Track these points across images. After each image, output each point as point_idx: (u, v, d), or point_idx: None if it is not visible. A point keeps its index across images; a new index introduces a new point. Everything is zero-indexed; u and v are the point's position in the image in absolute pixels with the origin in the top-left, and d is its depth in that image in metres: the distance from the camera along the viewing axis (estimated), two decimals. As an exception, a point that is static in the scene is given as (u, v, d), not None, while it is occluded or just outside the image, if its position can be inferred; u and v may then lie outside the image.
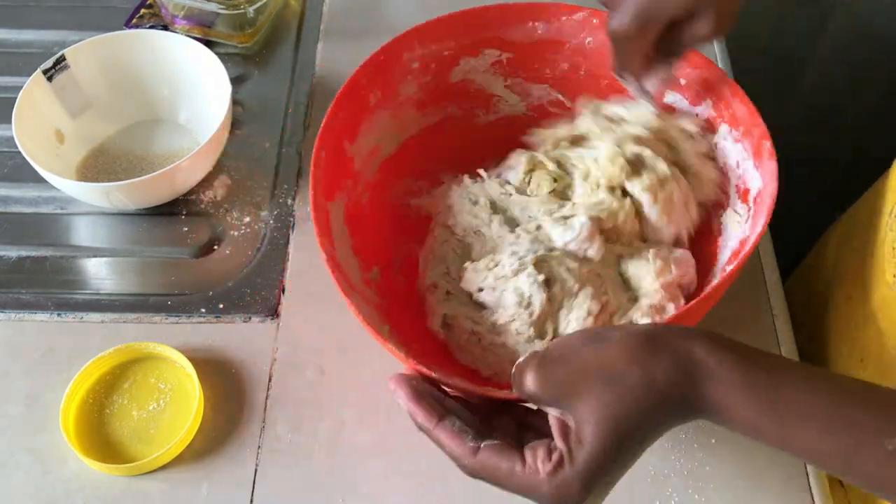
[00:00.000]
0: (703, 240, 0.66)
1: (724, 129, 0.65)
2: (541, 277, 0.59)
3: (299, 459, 0.60)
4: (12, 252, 0.71)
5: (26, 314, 0.67)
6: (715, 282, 0.59)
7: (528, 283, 0.59)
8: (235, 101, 0.78)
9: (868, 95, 1.23)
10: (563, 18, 0.68)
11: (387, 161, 0.69)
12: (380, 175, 0.68)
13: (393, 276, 0.66)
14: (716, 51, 0.87)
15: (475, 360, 0.62)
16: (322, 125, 0.60)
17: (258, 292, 0.68)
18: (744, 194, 0.62)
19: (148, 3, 0.88)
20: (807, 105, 1.28)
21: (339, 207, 0.62)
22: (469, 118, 0.73)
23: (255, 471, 0.60)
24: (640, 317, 0.59)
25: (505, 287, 0.60)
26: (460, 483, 0.59)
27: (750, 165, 0.62)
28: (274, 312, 0.67)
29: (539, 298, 0.59)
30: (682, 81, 0.67)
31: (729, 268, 0.59)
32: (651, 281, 0.60)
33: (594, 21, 0.68)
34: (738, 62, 0.87)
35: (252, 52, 0.86)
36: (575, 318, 0.59)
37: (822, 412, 0.40)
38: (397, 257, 0.67)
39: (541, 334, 0.59)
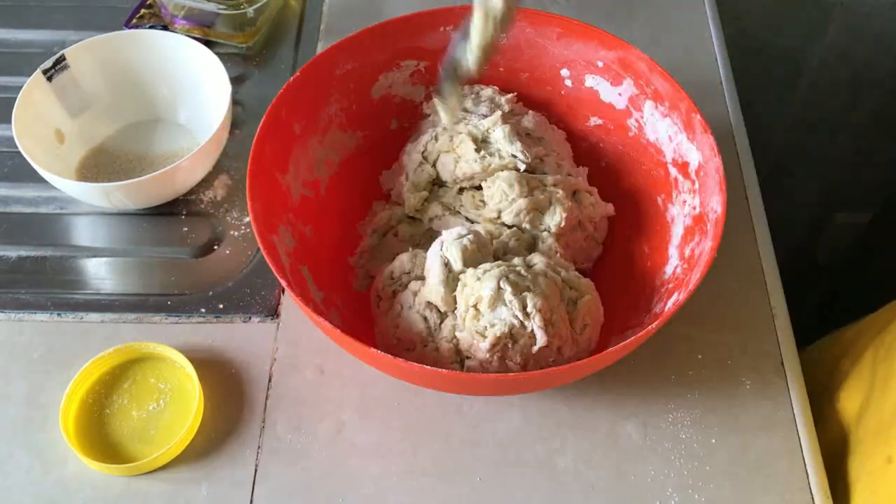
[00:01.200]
0: (650, 227, 0.67)
1: (648, 105, 0.67)
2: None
3: (299, 459, 0.60)
4: (12, 252, 0.71)
5: (26, 314, 0.67)
6: (677, 266, 0.61)
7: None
8: (235, 101, 0.78)
9: (868, 95, 1.23)
10: None
11: (328, 186, 0.69)
12: (324, 200, 0.68)
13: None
14: (716, 51, 0.87)
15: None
16: (250, 158, 0.60)
17: (258, 292, 0.68)
18: (683, 167, 0.64)
19: (148, 3, 0.88)
20: (807, 105, 1.28)
21: (287, 239, 0.62)
22: (404, 130, 0.73)
23: (255, 471, 0.60)
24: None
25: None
26: (460, 483, 0.59)
27: (684, 139, 0.64)
28: (274, 312, 0.67)
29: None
30: (600, 63, 0.68)
31: (689, 246, 0.61)
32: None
33: None
34: (737, 62, 0.87)
35: (252, 52, 0.86)
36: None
37: None
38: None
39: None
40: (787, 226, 0.81)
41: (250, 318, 0.67)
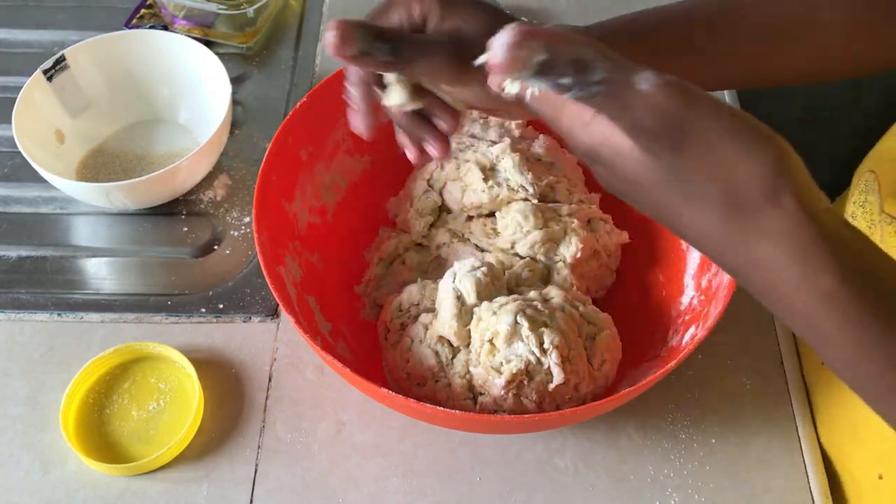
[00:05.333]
0: (665, 255, 0.66)
1: None
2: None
3: (299, 459, 0.60)
4: (12, 252, 0.71)
5: (26, 314, 0.67)
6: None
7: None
8: (235, 101, 0.78)
9: (868, 96, 1.23)
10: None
11: (335, 212, 0.68)
12: (332, 226, 0.67)
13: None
14: (716, 51, 0.87)
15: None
16: (256, 188, 0.58)
17: (258, 292, 0.68)
18: None
19: (148, 3, 0.88)
20: (807, 105, 1.28)
21: (294, 269, 0.61)
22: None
23: (255, 470, 0.60)
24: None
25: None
26: (460, 483, 0.59)
27: None
28: (274, 312, 0.67)
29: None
30: None
31: (706, 277, 0.60)
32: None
33: None
34: (738, 62, 0.87)
35: (252, 52, 0.86)
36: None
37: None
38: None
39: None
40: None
41: (250, 318, 0.67)
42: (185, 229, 0.73)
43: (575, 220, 0.64)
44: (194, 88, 0.77)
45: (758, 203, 0.36)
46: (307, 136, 0.64)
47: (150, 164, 0.76)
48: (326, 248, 0.65)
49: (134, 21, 0.87)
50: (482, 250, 0.65)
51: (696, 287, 0.61)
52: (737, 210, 0.36)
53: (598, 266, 0.66)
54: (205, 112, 0.76)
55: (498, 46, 0.36)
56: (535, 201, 0.63)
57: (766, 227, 0.36)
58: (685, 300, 0.61)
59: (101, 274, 0.71)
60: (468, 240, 0.66)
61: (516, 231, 0.62)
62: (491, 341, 0.56)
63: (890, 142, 0.65)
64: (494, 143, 0.66)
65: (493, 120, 0.69)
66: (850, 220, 0.64)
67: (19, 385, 0.63)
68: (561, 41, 0.36)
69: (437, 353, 0.58)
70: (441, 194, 0.66)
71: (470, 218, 0.66)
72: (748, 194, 0.36)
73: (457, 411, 0.52)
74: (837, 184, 0.71)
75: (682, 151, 0.35)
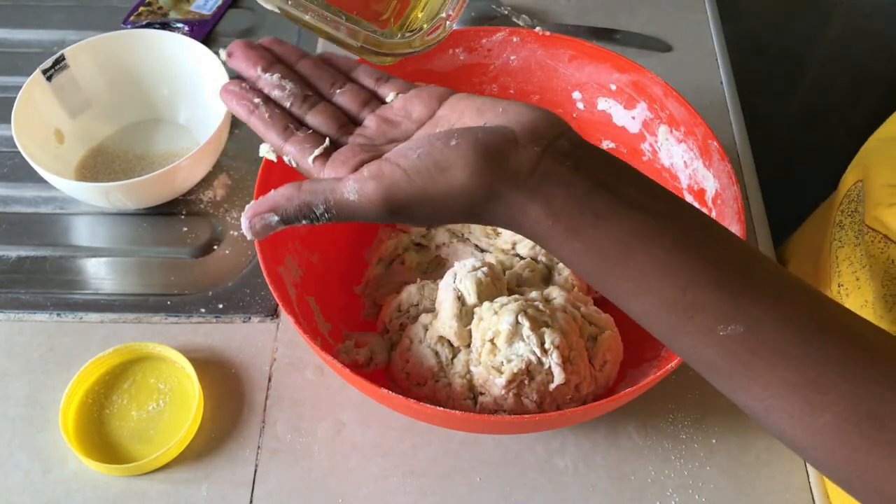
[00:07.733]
0: None
1: (663, 129, 0.65)
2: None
3: (299, 459, 0.60)
4: (12, 252, 0.71)
5: (26, 314, 0.67)
6: None
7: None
8: (235, 101, 0.78)
9: (868, 95, 1.23)
10: (484, 41, 0.68)
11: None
12: (331, 225, 0.67)
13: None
14: (716, 51, 0.87)
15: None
16: (256, 188, 0.58)
17: (258, 292, 0.68)
18: (699, 194, 0.62)
19: (147, 1, 0.88)
20: (807, 105, 1.28)
21: (294, 269, 0.61)
22: None
23: (255, 471, 0.60)
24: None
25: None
26: (460, 483, 0.59)
27: (700, 165, 0.62)
28: (274, 312, 0.67)
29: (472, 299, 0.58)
30: (613, 87, 0.67)
31: None
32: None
33: (515, 40, 0.68)
34: (738, 62, 0.87)
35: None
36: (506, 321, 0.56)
37: (667, 287, 0.37)
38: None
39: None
40: (786, 226, 0.81)
41: (250, 318, 0.67)
42: (185, 229, 0.73)
43: None
44: (194, 88, 0.77)
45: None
46: None
47: (150, 164, 0.76)
48: (326, 248, 0.65)
49: (132, 18, 0.87)
50: (482, 250, 0.65)
51: None
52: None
53: None
54: (205, 112, 0.76)
55: (243, 223, 0.43)
56: None
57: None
58: None
59: (100, 274, 0.71)
60: (468, 240, 0.66)
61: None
62: (492, 341, 0.56)
63: (872, 146, 0.65)
64: None
65: None
66: (837, 229, 0.64)
67: (19, 385, 0.63)
68: (284, 202, 0.42)
69: (437, 354, 0.58)
70: None
71: None
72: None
73: (457, 411, 0.52)
74: (836, 185, 0.71)
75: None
